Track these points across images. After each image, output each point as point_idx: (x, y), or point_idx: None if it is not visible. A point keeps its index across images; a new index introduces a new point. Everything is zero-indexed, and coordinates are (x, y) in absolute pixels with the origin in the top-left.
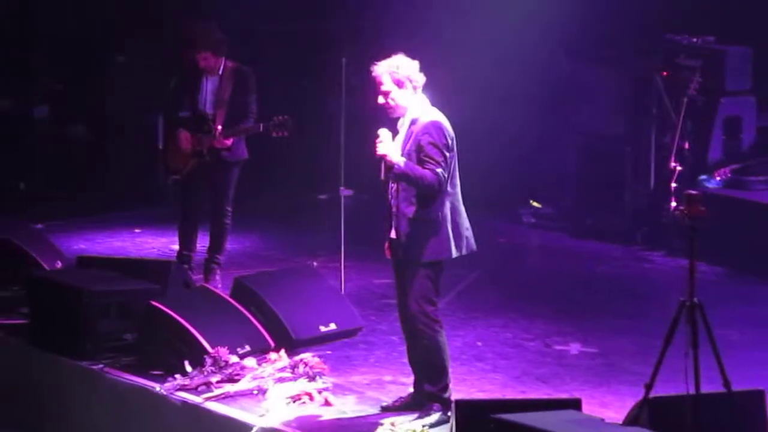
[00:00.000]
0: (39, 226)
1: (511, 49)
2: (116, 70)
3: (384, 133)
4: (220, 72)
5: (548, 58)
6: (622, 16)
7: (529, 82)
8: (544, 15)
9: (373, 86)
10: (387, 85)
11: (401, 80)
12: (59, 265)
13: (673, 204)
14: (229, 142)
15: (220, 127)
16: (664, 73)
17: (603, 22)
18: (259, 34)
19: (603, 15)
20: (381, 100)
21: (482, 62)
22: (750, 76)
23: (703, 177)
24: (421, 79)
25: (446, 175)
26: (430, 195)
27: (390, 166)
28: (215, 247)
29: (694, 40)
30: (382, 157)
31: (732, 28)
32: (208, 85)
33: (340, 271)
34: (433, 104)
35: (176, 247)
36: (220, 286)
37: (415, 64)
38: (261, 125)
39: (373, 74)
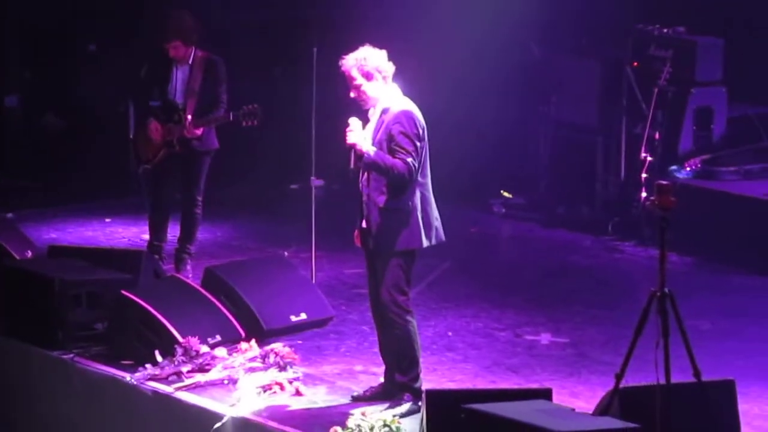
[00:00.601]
0: (9, 215)
1: (482, 38)
2: (88, 59)
3: (354, 122)
4: (191, 61)
5: (519, 47)
6: (594, 6)
7: (501, 71)
8: (516, 4)
9: (343, 80)
10: (356, 78)
11: (370, 72)
12: (30, 254)
13: (644, 194)
14: (199, 131)
15: (190, 117)
16: (635, 64)
17: (574, 12)
18: (230, 23)
19: (574, 4)
20: (353, 94)
21: (454, 51)
22: (721, 67)
23: (674, 167)
24: (390, 68)
25: (417, 165)
26: (400, 184)
27: (360, 155)
28: (186, 236)
29: (665, 30)
30: (352, 146)
31: (703, 18)
32: (179, 75)
33: (311, 260)
34: (405, 94)
35: (147, 236)
36: (191, 275)
37: (382, 54)
38: (231, 114)
39: (342, 69)
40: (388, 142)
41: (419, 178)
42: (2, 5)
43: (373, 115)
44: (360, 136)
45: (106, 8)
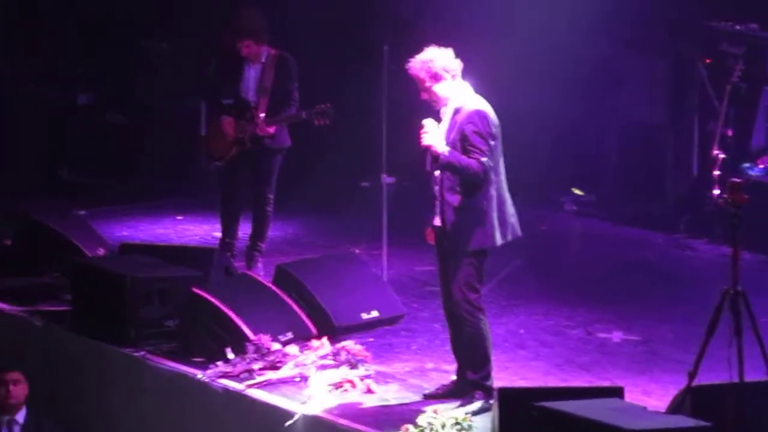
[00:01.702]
0: (81, 212)
1: (552, 35)
2: (160, 57)
3: (429, 123)
4: (263, 60)
5: (589, 44)
6: (666, 1)
7: (570, 68)
8: (586, 0)
9: (413, 83)
10: (426, 80)
11: (438, 73)
12: (101, 252)
13: (716, 192)
14: (272, 129)
15: (262, 115)
16: (707, 60)
17: (643, 7)
18: (301, 20)
19: (645, 0)
20: (424, 96)
21: (523, 49)
22: None
23: (746, 165)
24: (457, 66)
25: (491, 164)
26: (474, 183)
27: (436, 157)
28: (257, 234)
29: (737, 27)
30: (428, 148)
31: None
32: (251, 73)
33: (383, 258)
34: (476, 92)
35: (218, 234)
36: (262, 273)
37: (448, 53)
38: (303, 113)
39: (410, 72)
40: (461, 141)
41: (493, 176)
42: (76, 4)
43: (445, 115)
44: (436, 137)
45: (179, 6)
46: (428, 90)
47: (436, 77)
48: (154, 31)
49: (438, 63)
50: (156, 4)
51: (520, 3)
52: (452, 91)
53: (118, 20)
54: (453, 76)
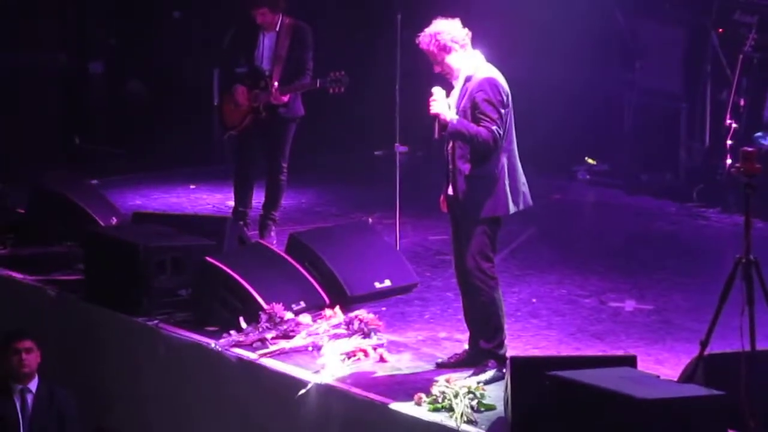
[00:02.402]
0: (94, 181)
1: (566, 4)
2: (172, 26)
3: (437, 91)
4: (277, 28)
5: (604, 14)
6: None
7: (584, 38)
8: None
9: (424, 57)
10: (436, 53)
11: (446, 45)
12: (114, 221)
13: (729, 161)
14: (285, 98)
15: (276, 84)
16: (720, 30)
17: None
18: None
19: None
20: (437, 69)
21: (537, 18)
22: None
23: (759, 134)
24: (465, 35)
25: (501, 132)
26: (485, 152)
27: (444, 125)
28: (271, 203)
29: None
30: (436, 116)
31: None
32: (266, 41)
33: (396, 227)
34: (488, 61)
35: (232, 203)
36: (275, 242)
37: (455, 24)
38: (318, 81)
39: (420, 47)
40: (472, 109)
41: (505, 144)
42: None
43: (457, 83)
44: (444, 105)
45: None
46: (440, 62)
47: (445, 49)
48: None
49: (446, 35)
50: None
51: None
52: (464, 61)
53: None
54: (462, 46)
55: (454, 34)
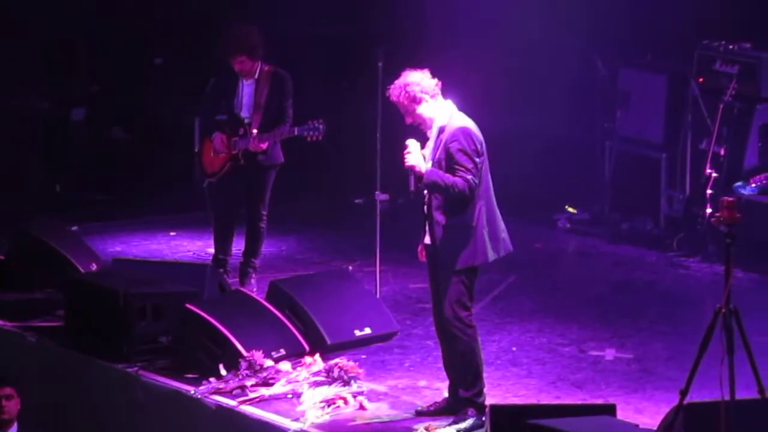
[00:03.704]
0: (74, 227)
1: (548, 52)
2: (154, 73)
3: (412, 143)
4: (257, 75)
5: (585, 62)
6: (659, 21)
7: (566, 86)
8: (582, 19)
9: (396, 110)
10: (406, 105)
11: (416, 96)
12: (95, 267)
13: (709, 210)
14: (264, 145)
15: (255, 131)
16: (701, 79)
17: (639, 27)
18: (296, 36)
19: (639, 20)
20: (408, 120)
21: (519, 65)
22: None
23: (739, 183)
24: (435, 85)
25: (477, 181)
26: (462, 201)
27: (420, 177)
28: (251, 250)
29: (731, 46)
30: (411, 168)
31: None
32: (245, 89)
33: (376, 275)
34: (469, 107)
35: (212, 250)
36: (255, 289)
37: (424, 74)
38: (296, 129)
39: (391, 99)
40: (447, 160)
41: (481, 192)
42: (68, 19)
43: (431, 134)
44: (418, 157)
45: (172, 22)
46: (411, 113)
47: (415, 100)
48: (149, 46)
49: (415, 86)
50: (149, 20)
51: (514, 23)
52: (435, 110)
53: (115, 36)
54: (433, 96)
55: (424, 85)
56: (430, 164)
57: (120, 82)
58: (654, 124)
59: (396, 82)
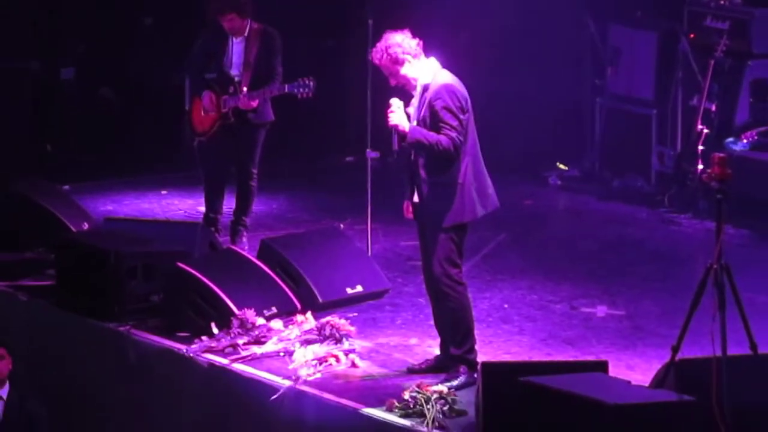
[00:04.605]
0: (66, 187)
1: (539, 9)
2: (143, 32)
3: (395, 102)
4: (246, 33)
5: (575, 20)
6: None
7: (557, 44)
8: None
9: (380, 73)
10: (389, 67)
11: (398, 57)
12: (86, 226)
13: (700, 167)
14: (254, 103)
15: (245, 89)
16: (691, 36)
17: None
18: None
19: None
20: (393, 82)
21: (509, 24)
22: None
23: (730, 140)
24: (416, 45)
25: (462, 138)
26: (447, 159)
27: (403, 136)
28: (241, 209)
29: (721, 2)
30: (395, 127)
31: None
32: (234, 47)
33: (367, 233)
34: (459, 66)
35: (203, 209)
36: (246, 248)
37: (404, 36)
38: (286, 86)
39: (374, 63)
40: (432, 118)
41: (467, 148)
42: None
43: (416, 93)
44: (401, 116)
45: None
46: (395, 75)
47: (398, 61)
48: (139, 5)
49: (396, 47)
50: None
51: None
52: (419, 70)
53: None
54: (415, 56)
55: (405, 46)
56: (414, 122)
57: (109, 41)
58: (644, 80)
59: (377, 45)
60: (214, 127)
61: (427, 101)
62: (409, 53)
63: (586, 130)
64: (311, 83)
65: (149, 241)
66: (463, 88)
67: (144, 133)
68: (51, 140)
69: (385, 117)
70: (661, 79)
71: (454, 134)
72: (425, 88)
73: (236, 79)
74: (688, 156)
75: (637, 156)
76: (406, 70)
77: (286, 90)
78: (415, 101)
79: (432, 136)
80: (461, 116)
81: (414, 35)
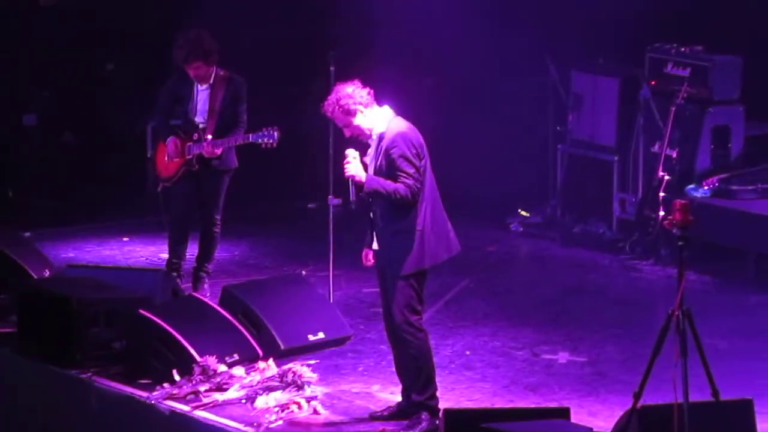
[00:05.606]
0: (27, 234)
1: (499, 56)
2: (106, 78)
3: (351, 153)
4: (212, 81)
5: (537, 66)
6: (611, 24)
7: (519, 90)
8: (533, 23)
9: (334, 125)
10: (342, 119)
11: (350, 108)
12: (47, 273)
13: (662, 213)
14: (218, 151)
15: (210, 136)
16: (653, 82)
17: (591, 30)
18: (247, 41)
19: (591, 22)
20: (347, 133)
21: (470, 70)
22: (738, 86)
23: (691, 186)
24: (367, 95)
25: (419, 185)
26: (405, 206)
27: (360, 186)
28: (204, 255)
29: (683, 49)
30: (351, 178)
31: (721, 37)
32: (200, 94)
33: (329, 279)
34: (422, 111)
35: (165, 255)
36: (208, 294)
37: (355, 86)
38: (250, 135)
39: (327, 116)
40: (388, 166)
41: (425, 194)
42: (21, 24)
43: (372, 142)
44: (358, 166)
45: (125, 27)
46: (348, 126)
47: (350, 113)
48: (100, 52)
49: (347, 98)
50: (103, 25)
51: (467, 27)
52: (372, 119)
53: (66, 41)
54: (367, 105)
55: (356, 96)
56: (372, 172)
57: (71, 87)
58: (606, 127)
59: (328, 98)
60: (178, 173)
61: (383, 150)
62: (360, 103)
63: (548, 176)
64: (275, 133)
65: (111, 287)
66: (418, 135)
67: (106, 179)
68: (13, 186)
69: (342, 168)
70: (622, 125)
71: (411, 182)
72: (380, 137)
73: (201, 126)
74: (649, 202)
75: (599, 202)
76: (359, 121)
77: (251, 139)
78: (371, 150)
79: (389, 184)
80: (418, 163)
81: (364, 85)
